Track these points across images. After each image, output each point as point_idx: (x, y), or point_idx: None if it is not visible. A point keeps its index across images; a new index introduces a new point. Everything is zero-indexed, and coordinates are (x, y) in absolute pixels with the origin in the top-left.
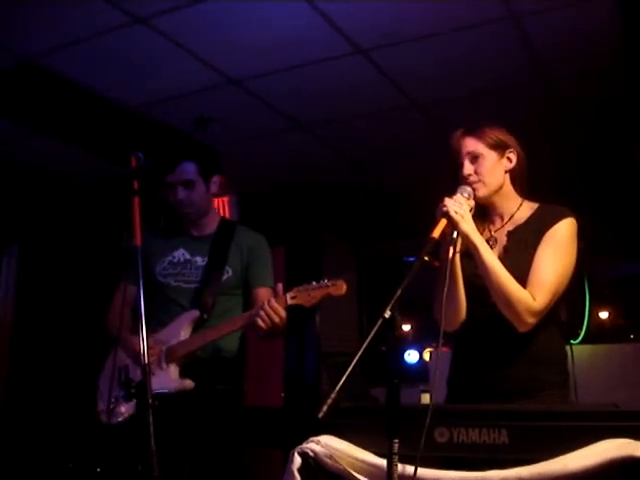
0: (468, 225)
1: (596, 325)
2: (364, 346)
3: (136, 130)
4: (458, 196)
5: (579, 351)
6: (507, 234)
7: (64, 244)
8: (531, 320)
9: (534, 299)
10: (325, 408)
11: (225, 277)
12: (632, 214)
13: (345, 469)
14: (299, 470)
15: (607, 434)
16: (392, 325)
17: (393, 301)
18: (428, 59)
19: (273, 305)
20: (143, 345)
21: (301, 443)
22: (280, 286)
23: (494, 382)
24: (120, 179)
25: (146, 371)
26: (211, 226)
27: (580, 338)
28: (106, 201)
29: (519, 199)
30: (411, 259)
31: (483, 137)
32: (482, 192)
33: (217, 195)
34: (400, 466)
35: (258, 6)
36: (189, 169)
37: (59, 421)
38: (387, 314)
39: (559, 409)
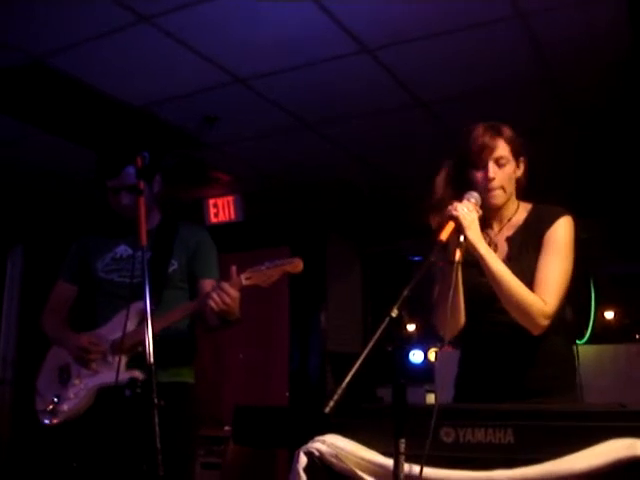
0: (475, 233)
1: (602, 325)
2: (371, 344)
3: (140, 129)
4: (466, 202)
5: (585, 351)
6: (507, 240)
7: (69, 244)
8: (545, 322)
9: (544, 302)
10: (332, 403)
11: (171, 269)
12: (638, 214)
13: (351, 469)
14: (305, 469)
15: (614, 434)
16: (399, 324)
17: (400, 301)
18: (434, 58)
19: (225, 285)
20: (149, 344)
21: (307, 442)
22: (234, 268)
23: (503, 384)
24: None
25: (151, 370)
26: (152, 221)
27: (586, 338)
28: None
29: (516, 202)
30: (416, 258)
31: (511, 143)
32: (501, 199)
33: (159, 193)
34: (406, 466)
35: (264, 5)
36: (133, 173)
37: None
38: (394, 313)
39: (566, 409)
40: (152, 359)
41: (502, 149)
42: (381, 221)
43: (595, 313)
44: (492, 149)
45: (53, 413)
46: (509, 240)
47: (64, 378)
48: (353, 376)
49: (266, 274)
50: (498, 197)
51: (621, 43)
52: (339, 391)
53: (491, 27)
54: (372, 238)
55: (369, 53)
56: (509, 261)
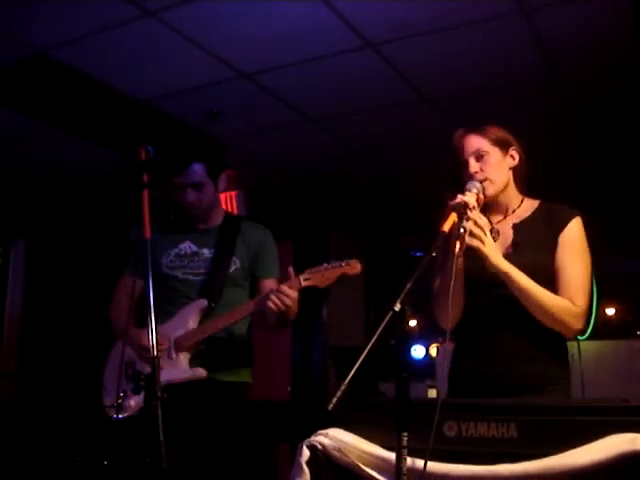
0: (490, 250)
1: (603, 321)
2: (374, 338)
3: (146, 123)
4: (468, 193)
5: (586, 347)
6: (513, 227)
7: (72, 237)
8: (580, 325)
9: (574, 304)
10: (335, 400)
11: (233, 268)
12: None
13: (353, 462)
14: (307, 463)
15: (617, 429)
16: (401, 319)
17: (403, 294)
18: (439, 53)
19: (284, 288)
20: (152, 338)
21: (309, 436)
22: (291, 269)
23: (495, 378)
24: (129, 172)
25: (155, 364)
26: (217, 219)
27: (587, 334)
28: (115, 194)
29: (520, 196)
30: (417, 254)
31: (486, 134)
32: (490, 190)
33: (225, 190)
34: (409, 460)
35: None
36: (198, 171)
37: (67, 414)
38: (397, 307)
39: (568, 404)
40: (155, 352)
41: (477, 142)
42: (383, 216)
43: (597, 309)
44: (468, 146)
45: (120, 408)
46: (515, 228)
47: (130, 374)
48: (356, 372)
49: (325, 275)
50: (488, 188)
51: (625, 38)
52: (342, 387)
53: (495, 23)
54: (374, 233)
55: (373, 48)
56: (514, 249)
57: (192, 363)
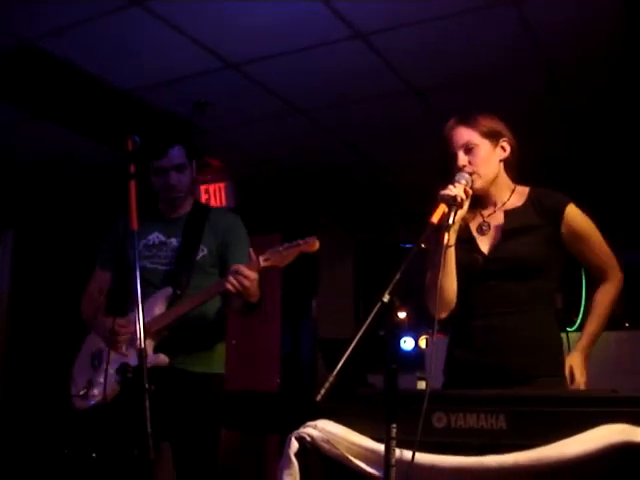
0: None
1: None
2: (362, 330)
3: (132, 114)
4: (457, 184)
5: (575, 338)
6: (504, 216)
7: (60, 229)
8: (621, 281)
9: (614, 274)
10: (323, 392)
11: (200, 255)
12: (630, 203)
13: (342, 454)
14: (296, 454)
15: (605, 420)
16: (390, 310)
17: (392, 285)
18: (427, 44)
19: (241, 268)
20: (140, 330)
21: (298, 428)
22: (251, 250)
23: (490, 369)
24: (117, 163)
25: (142, 355)
26: (185, 208)
27: (576, 326)
28: (103, 185)
29: (512, 185)
30: (407, 245)
31: (476, 126)
32: (478, 183)
33: (212, 181)
34: (397, 451)
35: None
36: (180, 153)
37: (55, 407)
38: (386, 298)
39: (558, 394)
40: (143, 345)
41: (467, 135)
42: (373, 208)
43: (586, 302)
44: (457, 138)
45: (85, 397)
46: (506, 215)
47: (96, 364)
48: (345, 363)
49: (283, 255)
50: (475, 181)
51: (616, 27)
52: (330, 379)
53: (485, 13)
54: (364, 225)
55: (362, 38)
56: (504, 235)
57: (156, 350)
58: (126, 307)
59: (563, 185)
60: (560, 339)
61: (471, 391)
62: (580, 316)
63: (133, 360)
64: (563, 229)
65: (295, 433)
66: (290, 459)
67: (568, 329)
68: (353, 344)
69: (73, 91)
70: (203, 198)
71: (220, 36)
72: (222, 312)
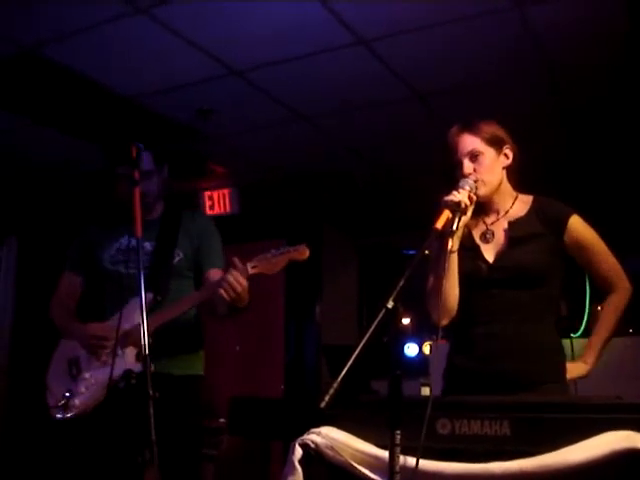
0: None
1: (596, 319)
2: (367, 336)
3: (134, 121)
4: (461, 190)
5: (579, 345)
6: (508, 225)
7: (63, 236)
8: (630, 291)
9: (622, 285)
10: (327, 398)
11: (176, 259)
12: (632, 210)
13: (346, 460)
14: (300, 461)
15: (611, 426)
16: (394, 316)
17: (396, 292)
18: (430, 50)
19: (235, 274)
20: (144, 337)
21: (302, 434)
22: (236, 259)
23: (490, 376)
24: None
25: (147, 362)
26: (157, 211)
27: (580, 332)
28: (105, 192)
29: (514, 194)
30: (411, 252)
31: (480, 133)
32: (483, 191)
33: (166, 181)
34: (401, 457)
35: None
36: (147, 159)
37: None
38: (390, 305)
39: (562, 401)
40: (147, 351)
41: (471, 142)
42: (376, 214)
43: (590, 307)
44: (462, 146)
45: (65, 408)
46: (510, 225)
47: (74, 372)
48: (349, 369)
49: (272, 262)
50: (480, 188)
51: (618, 29)
52: (335, 385)
53: (488, 18)
54: (367, 231)
55: (365, 45)
56: (509, 244)
57: (139, 357)
58: (102, 314)
59: (564, 189)
60: (561, 346)
61: (475, 397)
62: (584, 323)
63: (115, 370)
64: (566, 239)
65: (299, 440)
66: (294, 466)
67: (572, 335)
68: (358, 350)
69: (75, 97)
70: (207, 204)
71: (224, 43)
72: (200, 316)
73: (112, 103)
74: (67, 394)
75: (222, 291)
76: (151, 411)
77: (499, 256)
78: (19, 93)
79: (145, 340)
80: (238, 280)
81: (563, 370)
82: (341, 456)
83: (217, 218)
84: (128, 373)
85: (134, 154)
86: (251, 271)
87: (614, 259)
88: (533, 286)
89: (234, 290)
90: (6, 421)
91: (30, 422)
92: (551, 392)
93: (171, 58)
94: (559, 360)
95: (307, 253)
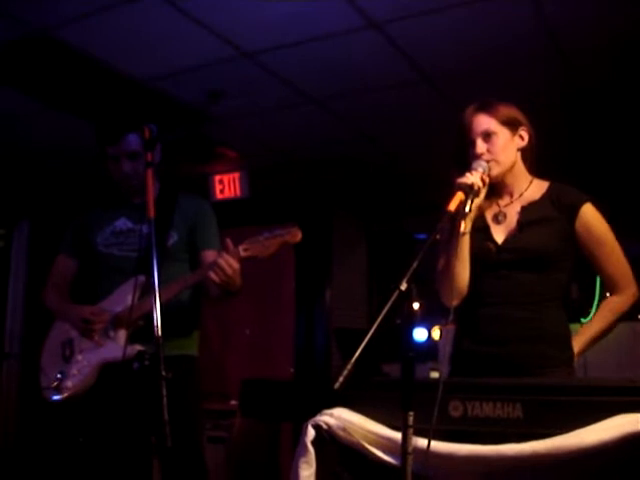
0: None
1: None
2: (380, 317)
3: (145, 102)
4: (474, 172)
5: None
6: (521, 209)
7: (74, 220)
8: (636, 297)
9: (628, 289)
10: (341, 379)
11: (171, 242)
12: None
13: (358, 442)
14: (312, 442)
15: (623, 409)
16: (408, 298)
17: (409, 274)
18: (441, 33)
19: (226, 257)
20: (157, 318)
21: (313, 416)
22: (229, 240)
23: (498, 359)
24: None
25: (159, 343)
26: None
27: (590, 316)
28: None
29: (529, 177)
30: (421, 236)
31: (496, 114)
32: (495, 171)
33: (159, 163)
34: (414, 439)
35: None
36: (133, 140)
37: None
38: (403, 286)
39: (574, 383)
40: (159, 332)
41: (486, 122)
42: (386, 198)
43: (600, 293)
44: (476, 125)
45: (57, 390)
46: (523, 209)
47: (67, 354)
48: (362, 351)
49: (264, 245)
50: (493, 168)
51: (634, 11)
52: (348, 367)
53: (499, 0)
54: (378, 215)
55: (376, 28)
56: (521, 227)
57: (131, 340)
58: (95, 297)
59: (576, 177)
60: (569, 330)
61: (488, 379)
62: (594, 307)
63: (107, 351)
64: (577, 226)
65: (312, 421)
66: (306, 447)
67: (582, 319)
68: (372, 331)
69: (88, 80)
70: (217, 188)
71: (235, 25)
72: (196, 298)
73: (123, 85)
74: (59, 375)
75: (213, 274)
76: (164, 391)
77: (508, 237)
78: (31, 76)
79: (157, 321)
80: (229, 263)
81: (570, 354)
82: (353, 437)
83: (228, 202)
84: (142, 354)
85: (147, 135)
86: (243, 254)
87: (624, 260)
88: (541, 269)
89: (225, 273)
90: (19, 406)
91: (42, 408)
92: (558, 376)
93: (182, 40)
94: (567, 344)
95: (299, 236)
